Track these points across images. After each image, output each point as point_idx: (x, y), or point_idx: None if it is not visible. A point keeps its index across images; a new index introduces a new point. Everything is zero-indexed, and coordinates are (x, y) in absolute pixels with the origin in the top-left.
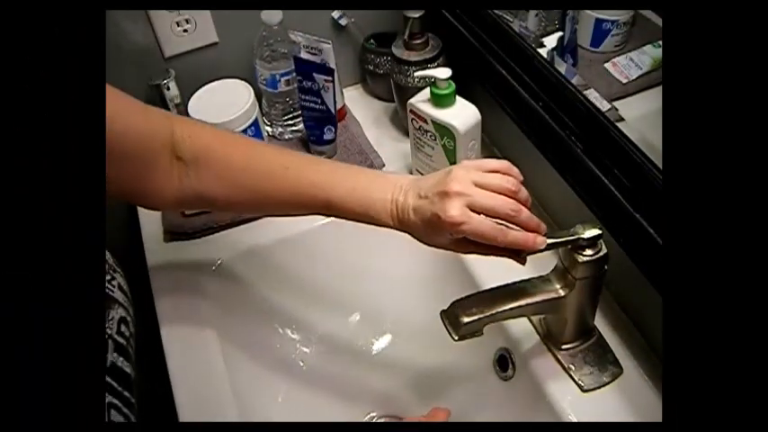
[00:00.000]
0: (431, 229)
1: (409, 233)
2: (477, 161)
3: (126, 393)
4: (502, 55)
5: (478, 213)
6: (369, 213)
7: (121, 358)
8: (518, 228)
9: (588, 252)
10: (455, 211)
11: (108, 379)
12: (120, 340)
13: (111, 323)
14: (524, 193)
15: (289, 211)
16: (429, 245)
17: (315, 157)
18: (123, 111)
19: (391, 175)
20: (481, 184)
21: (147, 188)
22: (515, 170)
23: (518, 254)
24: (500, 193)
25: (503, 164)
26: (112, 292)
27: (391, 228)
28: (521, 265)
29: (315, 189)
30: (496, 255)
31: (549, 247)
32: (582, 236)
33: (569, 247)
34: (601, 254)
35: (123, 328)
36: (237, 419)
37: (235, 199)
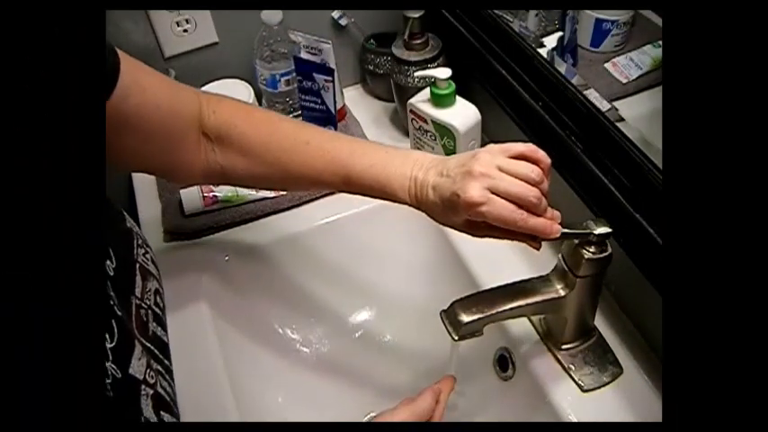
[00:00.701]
0: (448, 209)
1: (425, 211)
2: (504, 145)
3: (166, 362)
4: (502, 55)
5: (500, 197)
6: (385, 189)
7: (159, 328)
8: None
9: (594, 249)
10: (476, 191)
11: (151, 347)
12: (157, 311)
13: (149, 294)
14: (546, 184)
15: (310, 187)
16: (443, 224)
17: (335, 133)
18: (153, 87)
19: (414, 152)
20: (506, 170)
21: (175, 163)
22: (541, 153)
23: (534, 238)
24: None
25: (529, 147)
26: (147, 265)
27: (407, 204)
28: (522, 263)
29: (334, 165)
30: (511, 238)
31: (563, 236)
32: (593, 231)
33: (577, 241)
34: (606, 253)
35: (158, 299)
36: (237, 419)
37: (258, 174)
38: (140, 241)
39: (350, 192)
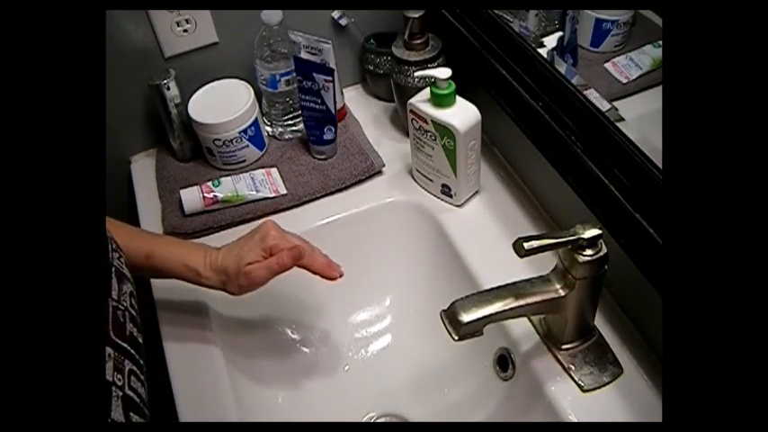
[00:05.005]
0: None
1: (215, 275)
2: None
3: (141, 361)
4: (502, 55)
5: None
6: (184, 261)
7: (135, 329)
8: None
9: (588, 252)
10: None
11: (127, 347)
12: (133, 312)
13: (125, 296)
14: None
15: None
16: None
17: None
18: None
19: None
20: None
21: None
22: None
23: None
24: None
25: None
26: (122, 268)
27: (199, 276)
28: (522, 263)
29: (140, 240)
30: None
31: (550, 247)
32: (582, 236)
33: (569, 247)
34: (601, 254)
35: (133, 301)
36: (237, 419)
37: None
38: (114, 245)
39: (153, 269)
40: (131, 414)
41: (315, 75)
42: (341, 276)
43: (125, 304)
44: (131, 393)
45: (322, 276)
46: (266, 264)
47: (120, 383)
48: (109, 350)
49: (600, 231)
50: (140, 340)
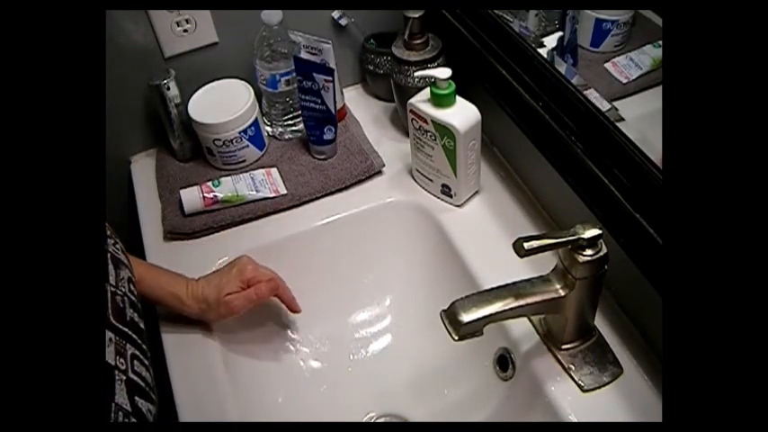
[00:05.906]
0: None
1: (195, 302)
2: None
3: (144, 346)
4: (502, 55)
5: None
6: (169, 287)
7: (136, 314)
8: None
9: (588, 252)
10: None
11: (129, 332)
12: (132, 297)
13: (123, 282)
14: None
15: None
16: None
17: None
18: None
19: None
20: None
21: None
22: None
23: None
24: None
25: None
26: (117, 254)
27: (181, 302)
28: (522, 263)
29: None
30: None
31: (550, 247)
32: (582, 236)
33: (569, 247)
34: (601, 254)
35: (132, 286)
36: (237, 419)
37: None
38: (108, 232)
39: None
40: (137, 398)
41: (315, 75)
42: (299, 312)
43: (123, 290)
44: (135, 377)
45: (288, 308)
46: (245, 294)
47: (122, 367)
48: (109, 334)
49: (600, 231)
50: (142, 326)
